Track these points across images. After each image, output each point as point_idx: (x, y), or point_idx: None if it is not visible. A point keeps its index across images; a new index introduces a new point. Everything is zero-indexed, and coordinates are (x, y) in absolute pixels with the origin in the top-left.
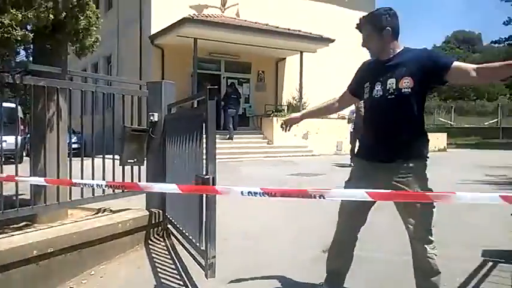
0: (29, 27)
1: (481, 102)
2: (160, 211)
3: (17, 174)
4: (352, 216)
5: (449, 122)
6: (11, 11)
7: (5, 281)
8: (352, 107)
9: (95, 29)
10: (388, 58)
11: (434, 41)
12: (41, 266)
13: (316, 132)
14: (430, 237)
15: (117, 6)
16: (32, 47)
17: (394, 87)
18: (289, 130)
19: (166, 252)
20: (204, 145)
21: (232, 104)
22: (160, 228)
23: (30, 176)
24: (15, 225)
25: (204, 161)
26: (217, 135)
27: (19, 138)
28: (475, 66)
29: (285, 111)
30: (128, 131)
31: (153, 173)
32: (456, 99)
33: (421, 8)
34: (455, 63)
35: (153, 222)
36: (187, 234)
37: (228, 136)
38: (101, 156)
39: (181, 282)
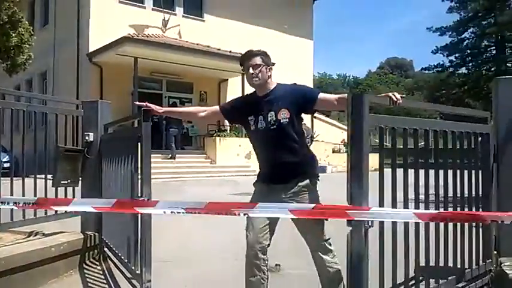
0: None
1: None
2: (96, 234)
3: None
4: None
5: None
6: None
7: None
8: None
9: (27, 46)
10: (266, 93)
11: (369, 66)
12: None
13: None
14: (328, 246)
15: (54, 22)
16: None
17: (274, 119)
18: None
19: (102, 277)
20: (140, 166)
21: (174, 123)
22: (96, 251)
23: None
24: None
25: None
26: (159, 155)
27: None
28: (337, 96)
29: (228, 131)
30: (62, 151)
31: (88, 195)
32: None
33: (354, 37)
34: (321, 95)
35: (89, 245)
36: (122, 257)
37: (170, 155)
38: (33, 176)
39: None
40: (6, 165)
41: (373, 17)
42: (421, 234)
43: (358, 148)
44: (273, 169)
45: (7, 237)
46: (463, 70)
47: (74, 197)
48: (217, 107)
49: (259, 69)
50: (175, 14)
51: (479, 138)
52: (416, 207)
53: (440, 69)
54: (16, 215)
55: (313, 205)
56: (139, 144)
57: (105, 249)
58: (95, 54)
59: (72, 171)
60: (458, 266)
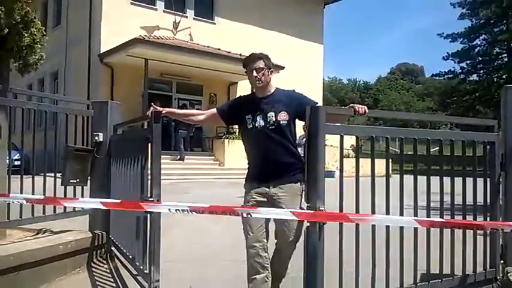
0: None
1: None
2: (104, 233)
3: None
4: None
5: (393, 149)
6: None
7: None
8: (303, 132)
9: (39, 46)
10: (266, 95)
11: (380, 72)
12: None
13: None
14: (292, 251)
15: (66, 22)
16: None
17: (274, 120)
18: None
19: (110, 276)
20: (150, 167)
21: (183, 125)
22: (103, 250)
23: None
24: None
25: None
26: (168, 156)
27: None
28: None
29: (236, 133)
30: (71, 150)
31: (97, 194)
32: (400, 127)
33: (364, 42)
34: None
35: (96, 244)
36: (130, 256)
37: (178, 157)
38: (43, 174)
39: None
40: (17, 163)
41: (384, 22)
42: (424, 239)
43: (314, 154)
44: (267, 166)
45: (16, 234)
46: (474, 77)
47: (82, 195)
48: (214, 110)
49: (262, 72)
50: (186, 16)
51: (488, 146)
52: (415, 213)
53: (451, 75)
54: (25, 212)
55: (314, 210)
56: (149, 145)
57: (113, 248)
58: (106, 55)
59: (81, 171)
60: (460, 270)
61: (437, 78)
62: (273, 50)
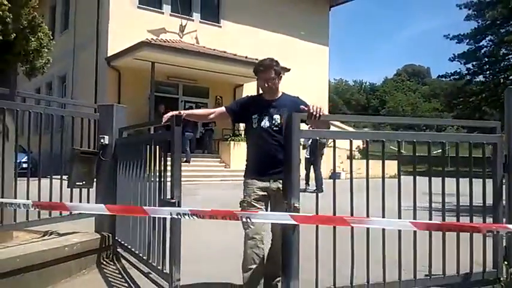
0: None
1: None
2: (110, 234)
3: None
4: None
5: (400, 150)
6: None
7: None
8: None
9: (46, 50)
10: (274, 99)
11: (386, 73)
12: None
13: None
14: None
15: (74, 26)
16: None
17: (279, 122)
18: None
19: (120, 276)
20: (170, 169)
21: (190, 127)
22: (109, 251)
23: None
24: None
25: (169, 184)
26: None
27: None
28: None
29: (242, 136)
30: (77, 153)
31: (103, 196)
32: (407, 129)
33: (370, 44)
34: None
35: (102, 245)
36: (145, 258)
37: (184, 159)
38: (52, 177)
39: None
40: (24, 165)
41: (390, 24)
42: (424, 239)
43: (289, 158)
44: (269, 161)
45: (22, 236)
46: (481, 78)
47: (88, 197)
48: (223, 108)
49: (273, 81)
50: (192, 20)
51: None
52: (415, 215)
53: (457, 76)
54: (32, 214)
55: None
56: (168, 148)
57: (119, 249)
58: (113, 58)
59: (87, 173)
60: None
61: (443, 79)
62: (279, 53)
